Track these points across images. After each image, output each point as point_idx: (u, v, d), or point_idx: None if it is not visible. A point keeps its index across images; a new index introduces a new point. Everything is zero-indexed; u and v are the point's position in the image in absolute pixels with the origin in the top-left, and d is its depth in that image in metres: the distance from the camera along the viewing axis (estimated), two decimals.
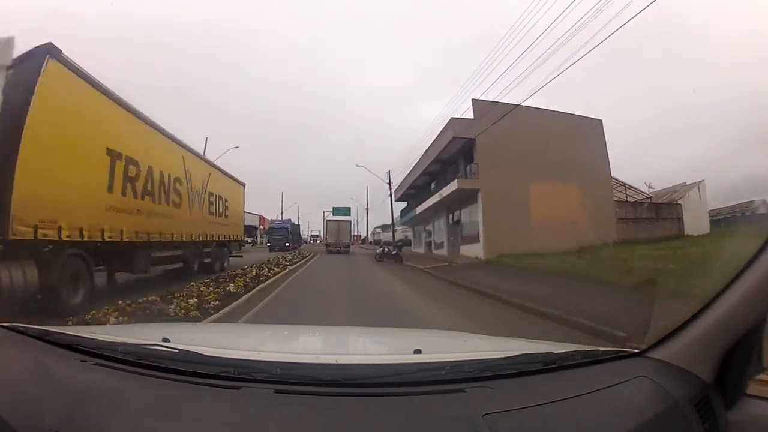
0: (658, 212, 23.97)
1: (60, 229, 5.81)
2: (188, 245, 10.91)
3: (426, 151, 25.59)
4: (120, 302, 5.43)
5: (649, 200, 25.78)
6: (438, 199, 22.86)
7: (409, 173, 31.22)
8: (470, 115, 20.33)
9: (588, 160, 19.54)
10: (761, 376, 1.02)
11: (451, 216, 24.84)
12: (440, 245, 27.06)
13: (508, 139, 18.19)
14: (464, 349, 1.62)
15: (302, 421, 0.86)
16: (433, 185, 26.41)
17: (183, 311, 5.38)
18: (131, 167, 7.87)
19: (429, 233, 31.84)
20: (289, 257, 19.70)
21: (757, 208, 21.78)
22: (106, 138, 7.15)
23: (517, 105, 16.08)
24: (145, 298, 5.86)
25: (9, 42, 5.38)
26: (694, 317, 1.10)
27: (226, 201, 14.55)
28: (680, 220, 23.17)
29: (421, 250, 32.92)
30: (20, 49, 5.47)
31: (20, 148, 5.08)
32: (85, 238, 6.41)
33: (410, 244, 38.61)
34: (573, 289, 8.24)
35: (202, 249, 12.13)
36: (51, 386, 0.97)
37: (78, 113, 6.37)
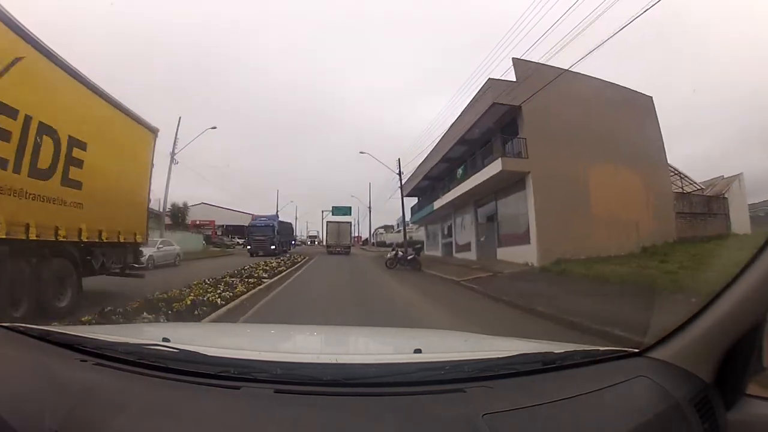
0: (709, 207, 20.11)
1: None
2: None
3: (446, 132, 21.13)
4: None
5: (701, 192, 21.55)
6: (468, 188, 18.31)
7: (422, 163, 26.33)
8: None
9: (642, 142, 15.61)
10: (761, 376, 1.02)
11: (478, 211, 20.51)
12: (465, 247, 22.08)
13: (556, 110, 14.19)
14: (464, 348, 1.62)
15: (302, 420, 0.86)
16: (460, 171, 20.70)
17: None
18: None
19: (448, 232, 26.56)
20: (273, 264, 14.89)
21: None
22: None
23: (566, 70, 12.70)
24: None
25: None
26: (694, 317, 1.10)
27: (116, 157, 7.56)
28: (727, 216, 19.69)
29: (437, 252, 27.62)
30: None
31: None
32: None
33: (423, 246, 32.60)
34: None
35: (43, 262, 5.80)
36: (51, 386, 0.97)
37: None
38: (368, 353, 1.73)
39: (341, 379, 1.00)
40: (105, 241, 7.22)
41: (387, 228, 64.91)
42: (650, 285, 7.79)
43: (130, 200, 8.24)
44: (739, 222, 18.71)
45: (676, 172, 20.37)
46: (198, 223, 44.67)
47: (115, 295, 7.16)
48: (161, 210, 25.37)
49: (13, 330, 1.25)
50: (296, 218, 64.06)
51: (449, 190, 21.89)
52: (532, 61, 13.56)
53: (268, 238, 29.00)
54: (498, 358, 1.13)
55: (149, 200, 9.50)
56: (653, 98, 16.96)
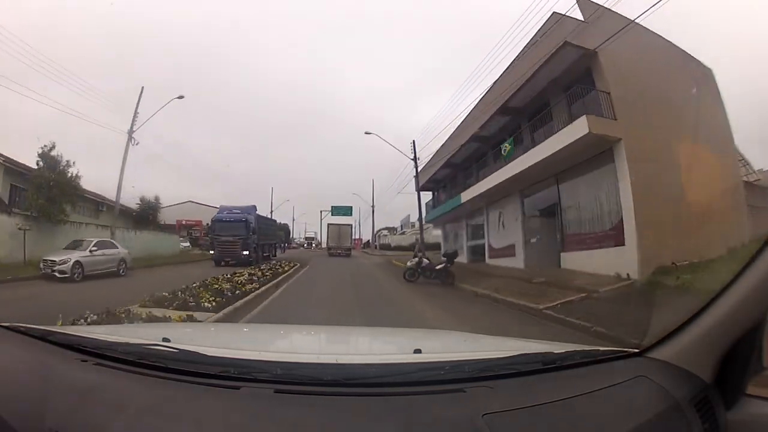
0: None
1: None
2: None
3: (477, 104, 16.36)
4: None
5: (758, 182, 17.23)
6: (519, 169, 13.37)
7: (441, 148, 21.44)
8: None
9: (710, 120, 11.74)
10: (761, 376, 1.02)
11: (525, 202, 15.41)
12: (505, 252, 16.70)
13: (634, 65, 10.94)
14: (464, 349, 1.63)
15: (302, 420, 0.86)
16: (506, 147, 14.61)
17: None
18: None
19: (476, 233, 21.15)
20: (242, 278, 10.53)
21: None
22: None
23: (633, 21, 9.81)
24: None
25: None
26: (694, 317, 1.10)
27: None
28: None
29: (460, 258, 19.16)
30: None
31: None
32: None
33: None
34: None
35: None
36: (51, 386, 0.97)
37: None
38: (368, 353, 1.74)
39: (341, 379, 1.00)
40: None
41: (391, 230, 61.22)
42: None
43: None
44: None
45: (741, 158, 15.41)
46: (185, 223, 40.51)
47: None
48: (117, 202, 20.07)
49: (14, 330, 1.26)
50: (293, 219, 60.86)
51: (479, 179, 17.38)
52: (600, 4, 10.38)
53: (239, 240, 19.81)
54: (498, 358, 1.13)
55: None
56: (713, 71, 12.85)
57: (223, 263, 18.84)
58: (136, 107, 19.53)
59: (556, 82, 12.46)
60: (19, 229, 13.81)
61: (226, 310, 6.82)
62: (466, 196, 18.64)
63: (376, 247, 49.17)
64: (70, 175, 16.20)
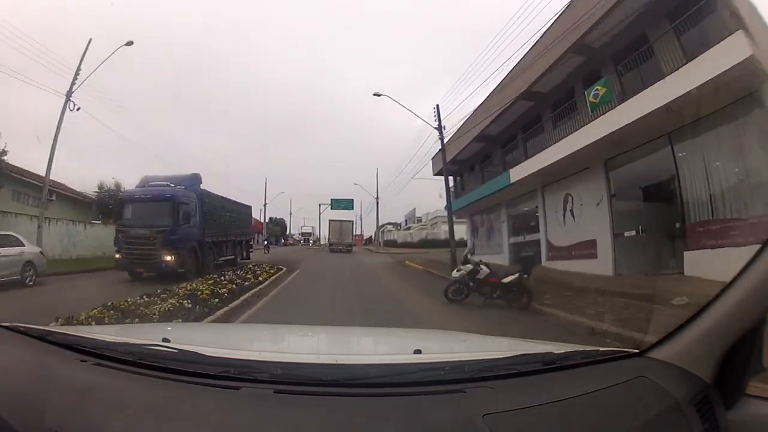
0: None
1: None
2: None
3: (532, 48, 12.03)
4: None
5: None
6: (613, 128, 9.18)
7: (473, 114, 16.50)
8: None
9: None
10: (761, 376, 1.02)
11: (612, 177, 10.84)
12: (576, 250, 11.93)
13: None
14: (464, 349, 1.63)
15: (302, 421, 0.86)
16: (598, 91, 10.15)
17: None
18: None
19: (526, 224, 15.39)
20: (166, 306, 6.30)
21: None
22: None
23: None
24: None
25: None
26: (694, 317, 1.10)
27: None
28: None
29: (499, 257, 15.66)
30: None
31: None
32: None
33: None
34: None
35: None
36: (51, 386, 0.97)
37: None
38: (368, 354, 1.73)
39: (341, 379, 1.00)
40: None
41: (395, 225, 57.78)
42: None
43: None
44: None
45: None
46: None
47: None
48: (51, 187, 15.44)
49: (14, 330, 1.26)
50: (290, 214, 58.10)
51: (528, 152, 13.34)
52: None
53: (159, 235, 11.54)
54: (498, 359, 1.13)
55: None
56: None
57: (137, 276, 11.45)
58: (79, 64, 15.04)
59: (657, 5, 8.99)
60: None
61: None
62: (517, 174, 13.47)
63: (379, 244, 43.17)
64: None
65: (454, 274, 8.68)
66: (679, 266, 8.63)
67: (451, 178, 19.86)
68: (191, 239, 12.59)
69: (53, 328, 1.38)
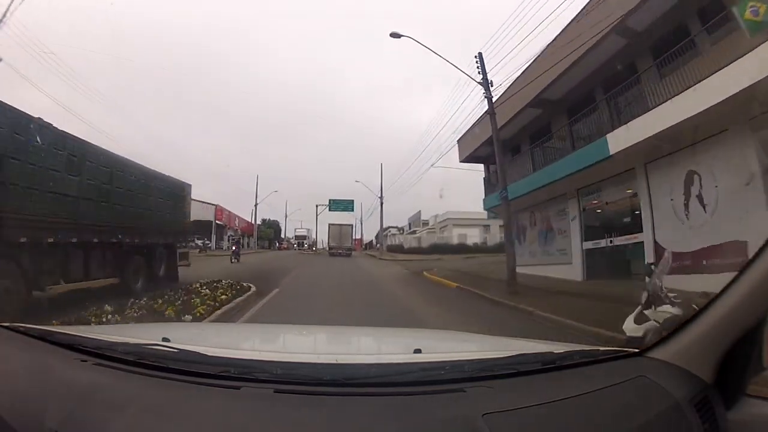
0: None
1: None
2: None
3: None
4: None
5: None
6: None
7: (528, 68, 11.69)
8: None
9: None
10: (761, 376, 1.02)
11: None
12: (717, 255, 7.65)
13: None
14: (464, 349, 1.63)
15: (302, 421, 0.86)
16: (753, 3, 6.13)
17: None
18: None
19: (616, 221, 11.18)
20: None
21: None
22: None
23: None
24: None
25: None
26: (695, 317, 1.10)
27: None
28: None
29: (562, 269, 12.35)
30: None
31: None
32: None
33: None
34: None
35: None
36: (51, 386, 0.97)
37: None
38: (368, 353, 1.74)
39: (341, 379, 1.00)
40: None
41: (399, 229, 54.18)
42: None
43: None
44: None
45: None
46: None
47: None
48: None
49: (14, 330, 1.26)
50: (286, 216, 54.96)
51: (622, 117, 9.67)
52: None
53: None
54: (498, 358, 1.13)
55: None
56: None
57: None
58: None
59: None
60: None
61: None
62: (620, 141, 9.36)
63: (387, 249, 38.92)
64: None
65: (630, 325, 2.11)
66: None
67: (481, 166, 16.35)
68: None
69: (53, 327, 1.38)
